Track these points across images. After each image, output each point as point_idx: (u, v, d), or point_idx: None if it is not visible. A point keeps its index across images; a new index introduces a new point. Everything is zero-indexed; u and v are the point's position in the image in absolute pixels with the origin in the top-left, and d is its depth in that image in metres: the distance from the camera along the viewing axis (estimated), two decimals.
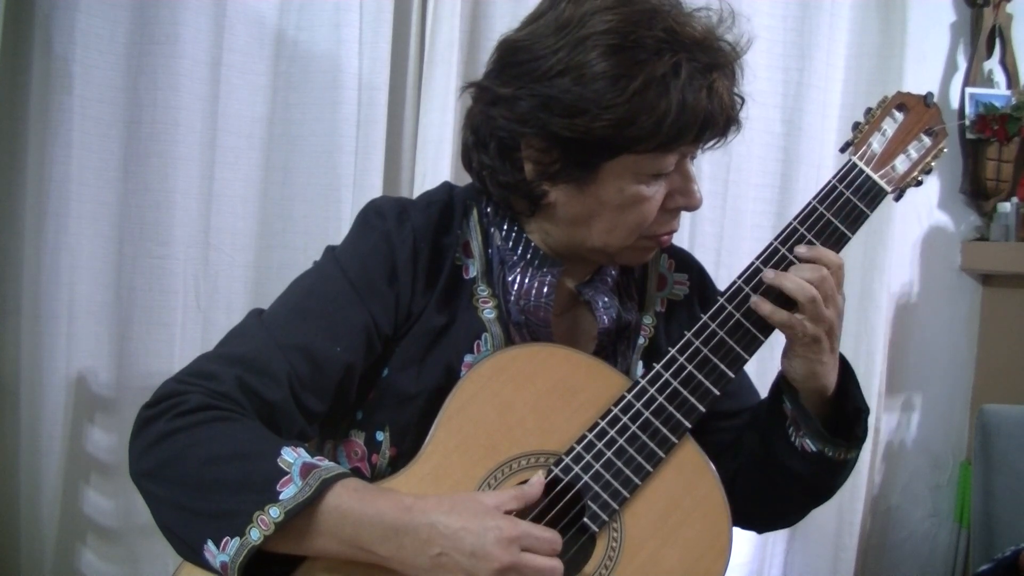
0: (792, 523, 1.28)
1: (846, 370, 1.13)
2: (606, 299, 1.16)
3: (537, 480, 0.99)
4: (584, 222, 1.10)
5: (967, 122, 2.55)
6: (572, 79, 1.01)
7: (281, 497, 0.91)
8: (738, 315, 1.07)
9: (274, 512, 0.91)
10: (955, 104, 2.62)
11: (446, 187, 1.21)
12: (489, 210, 1.16)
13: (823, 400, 1.10)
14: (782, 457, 1.12)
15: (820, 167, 2.34)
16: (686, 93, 1.01)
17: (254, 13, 1.99)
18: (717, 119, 1.05)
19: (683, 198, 1.10)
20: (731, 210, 2.31)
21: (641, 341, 1.19)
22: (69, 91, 1.81)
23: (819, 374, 1.08)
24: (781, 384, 1.12)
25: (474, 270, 1.15)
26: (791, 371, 1.09)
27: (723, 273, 2.21)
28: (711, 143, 1.10)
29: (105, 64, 1.85)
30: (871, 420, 2.45)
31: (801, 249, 1.08)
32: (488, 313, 1.13)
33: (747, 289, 1.08)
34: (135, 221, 1.91)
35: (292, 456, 0.94)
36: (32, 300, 1.83)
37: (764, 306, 1.06)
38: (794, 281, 1.05)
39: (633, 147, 1.03)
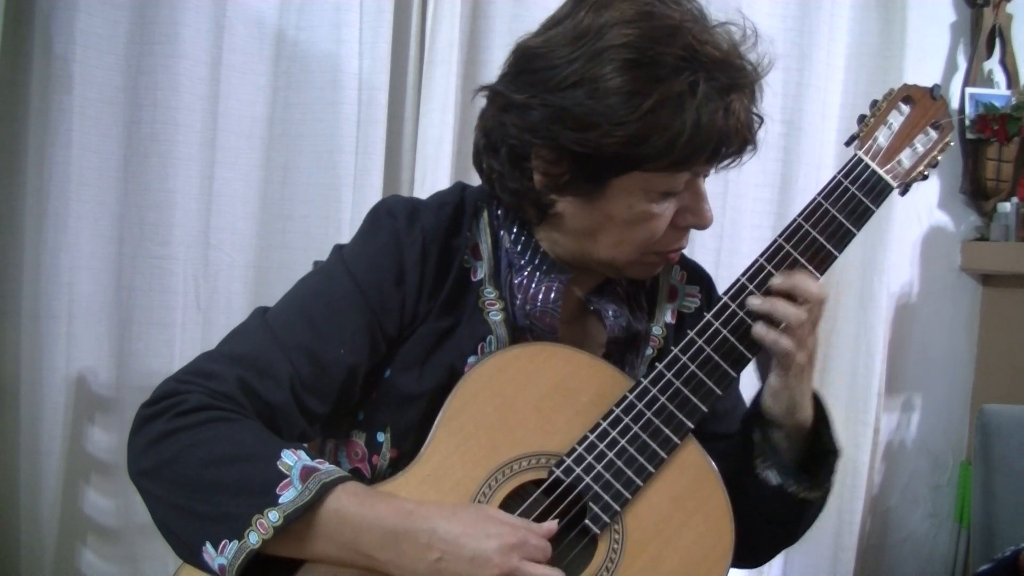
0: (759, 561, 1.22)
1: (820, 410, 1.10)
2: (615, 308, 1.15)
3: (551, 523, 0.97)
4: (591, 234, 1.08)
5: (967, 122, 2.55)
6: (586, 92, 0.99)
7: (280, 501, 0.91)
8: (741, 314, 1.06)
9: (273, 516, 0.90)
10: (955, 104, 2.62)
11: (459, 187, 1.19)
12: (500, 212, 1.15)
13: (797, 437, 1.08)
14: (746, 488, 1.09)
15: (820, 167, 2.34)
16: (701, 113, 0.98)
17: (254, 13, 2.00)
18: (732, 140, 1.03)
19: (693, 217, 1.09)
20: (731, 210, 2.31)
21: (649, 352, 1.18)
22: (69, 91, 1.81)
23: (801, 406, 1.06)
24: (752, 415, 1.10)
25: (482, 272, 1.13)
26: (775, 405, 1.06)
27: (723, 273, 2.20)
28: (725, 163, 1.08)
29: (105, 64, 1.86)
30: (871, 420, 2.45)
31: (777, 280, 1.05)
32: (494, 316, 1.12)
33: (751, 287, 1.07)
34: (135, 221, 1.91)
35: (292, 459, 0.93)
36: (32, 300, 1.83)
37: (764, 332, 1.04)
38: (785, 306, 1.03)
39: (643, 165, 1.01)
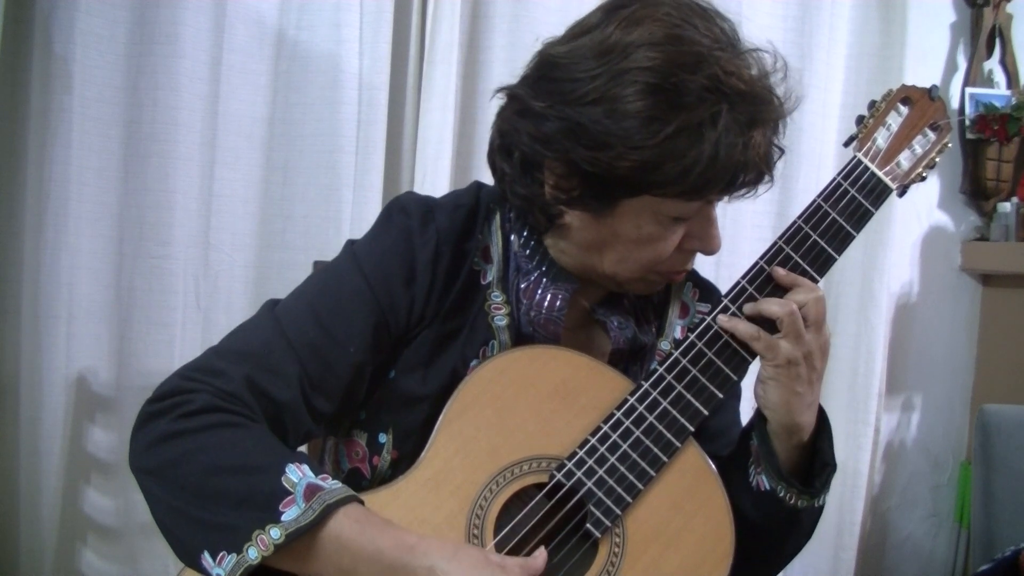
0: None
1: (823, 424, 1.09)
2: (620, 319, 1.14)
3: (541, 553, 0.97)
4: (597, 249, 1.07)
5: (967, 122, 2.55)
6: (604, 111, 0.97)
7: (283, 519, 0.90)
8: (741, 316, 1.06)
9: (275, 533, 0.89)
10: (955, 104, 2.62)
11: (475, 187, 1.17)
12: (512, 215, 1.14)
13: (794, 445, 1.07)
14: (736, 495, 1.07)
15: (821, 167, 2.34)
16: (720, 146, 0.96)
17: (254, 13, 1.99)
18: (749, 173, 1.02)
19: (700, 242, 1.07)
20: (731, 210, 2.30)
21: (655, 366, 1.17)
22: (69, 91, 1.81)
23: (793, 407, 1.04)
24: (753, 420, 1.09)
25: (490, 275, 1.12)
26: (764, 398, 1.06)
27: (723, 273, 2.20)
28: (740, 193, 1.06)
29: (105, 64, 1.86)
30: (871, 420, 2.44)
31: (780, 271, 1.06)
32: (499, 320, 1.11)
33: (751, 289, 1.07)
34: (135, 221, 1.92)
35: (296, 475, 0.92)
36: (32, 300, 1.83)
37: (736, 324, 1.04)
38: (777, 301, 1.04)
39: (655, 190, 1.00)
